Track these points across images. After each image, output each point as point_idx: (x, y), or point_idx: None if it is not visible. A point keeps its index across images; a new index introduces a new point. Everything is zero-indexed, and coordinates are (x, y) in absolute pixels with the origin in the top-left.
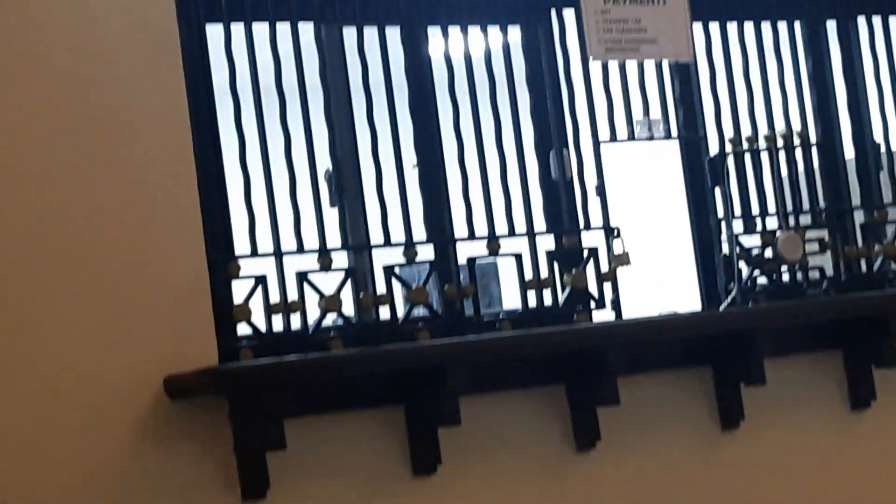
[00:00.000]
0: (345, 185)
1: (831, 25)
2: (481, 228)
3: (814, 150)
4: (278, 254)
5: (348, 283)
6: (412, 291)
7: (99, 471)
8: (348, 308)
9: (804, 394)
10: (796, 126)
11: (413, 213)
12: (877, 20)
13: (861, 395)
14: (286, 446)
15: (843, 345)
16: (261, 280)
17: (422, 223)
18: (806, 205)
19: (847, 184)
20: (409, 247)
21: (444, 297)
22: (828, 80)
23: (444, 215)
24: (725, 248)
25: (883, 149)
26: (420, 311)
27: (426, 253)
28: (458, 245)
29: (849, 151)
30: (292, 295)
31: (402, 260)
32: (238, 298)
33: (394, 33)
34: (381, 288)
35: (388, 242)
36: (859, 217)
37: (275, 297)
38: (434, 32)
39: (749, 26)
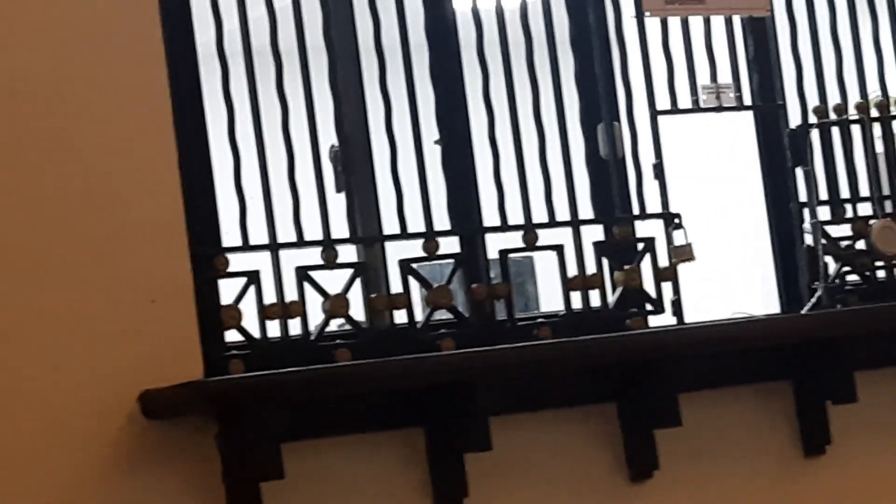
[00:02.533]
0: (353, 165)
1: None
2: (516, 216)
3: None
4: (274, 246)
5: (357, 282)
6: (433, 291)
7: (64, 502)
8: (357, 311)
9: None
10: (894, 93)
11: (435, 199)
12: None
13: None
14: (284, 475)
15: None
16: (254, 277)
17: (445, 211)
18: None
19: None
20: (430, 238)
21: (472, 298)
22: None
23: (471, 201)
24: (809, 240)
25: None
26: (443, 316)
27: (450, 246)
28: (488, 236)
29: None
30: (291, 295)
31: (421, 254)
32: (227, 299)
33: None
34: (396, 287)
35: (404, 233)
36: None
37: (270, 298)
38: None
39: None
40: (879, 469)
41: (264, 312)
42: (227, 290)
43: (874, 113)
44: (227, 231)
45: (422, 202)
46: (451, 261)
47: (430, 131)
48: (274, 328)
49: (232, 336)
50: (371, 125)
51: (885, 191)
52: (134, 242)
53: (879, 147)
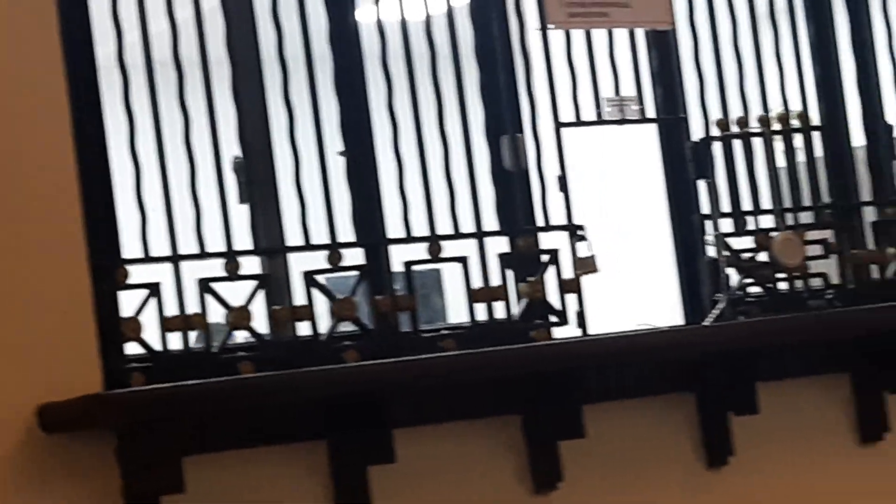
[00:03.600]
0: (256, 176)
1: None
2: (420, 228)
3: (816, 136)
4: (175, 258)
5: (261, 294)
6: (337, 303)
7: None
8: (261, 323)
9: (804, 425)
10: (795, 107)
11: (338, 210)
12: None
13: (871, 426)
14: (184, 489)
15: (852, 367)
16: (154, 289)
17: (349, 222)
18: (807, 200)
19: (855, 175)
20: (334, 250)
21: (376, 309)
22: (833, 52)
23: (375, 212)
24: (711, 252)
25: None
26: (347, 328)
27: (354, 257)
28: (393, 248)
29: (857, 137)
30: (192, 307)
31: (325, 265)
32: (127, 311)
33: None
34: (300, 299)
35: (308, 245)
36: (870, 214)
37: (171, 310)
38: None
39: None
40: (782, 480)
41: (165, 325)
42: (128, 302)
43: (776, 126)
44: (128, 242)
45: (325, 213)
46: (356, 272)
47: (333, 142)
48: (175, 340)
49: (133, 349)
50: (274, 136)
51: (787, 203)
52: (33, 254)
53: (781, 160)
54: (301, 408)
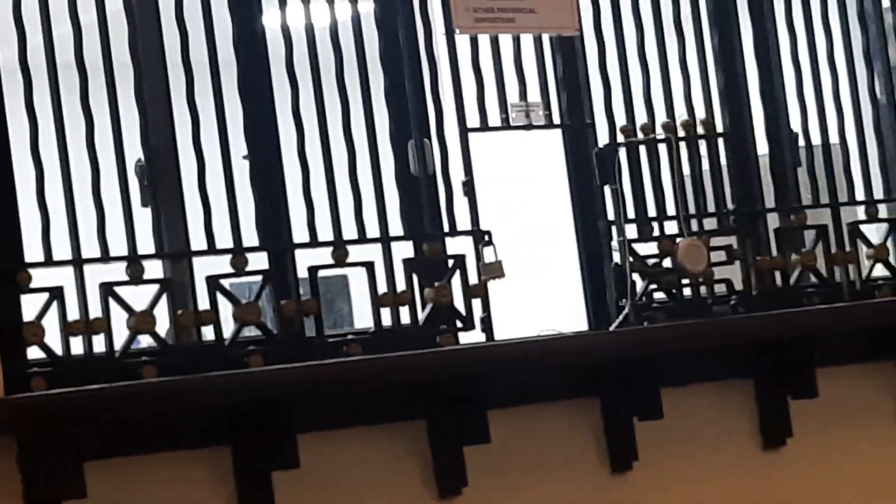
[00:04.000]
0: (160, 180)
1: None
2: (325, 233)
3: (720, 142)
4: (78, 262)
5: (164, 298)
6: (241, 308)
7: None
8: (164, 328)
9: (708, 430)
10: (700, 113)
11: (243, 215)
12: None
13: (774, 431)
14: (86, 494)
15: (755, 372)
16: (57, 293)
17: (253, 226)
18: (711, 206)
19: (759, 182)
20: (238, 254)
21: (281, 314)
22: (737, 60)
23: (280, 217)
24: (617, 258)
25: (801, 141)
26: (252, 332)
27: (259, 262)
28: (298, 253)
29: (761, 144)
30: (95, 311)
31: (229, 270)
32: (28, 315)
33: (220, 0)
34: (203, 303)
35: (212, 249)
36: (773, 221)
37: (74, 314)
38: None
39: None
40: (685, 484)
41: (68, 329)
42: (30, 306)
43: (681, 133)
44: (30, 246)
45: (230, 217)
46: (260, 277)
47: (238, 146)
48: (77, 345)
49: (34, 353)
50: (178, 140)
51: (691, 209)
52: None
53: (686, 166)
54: (205, 413)
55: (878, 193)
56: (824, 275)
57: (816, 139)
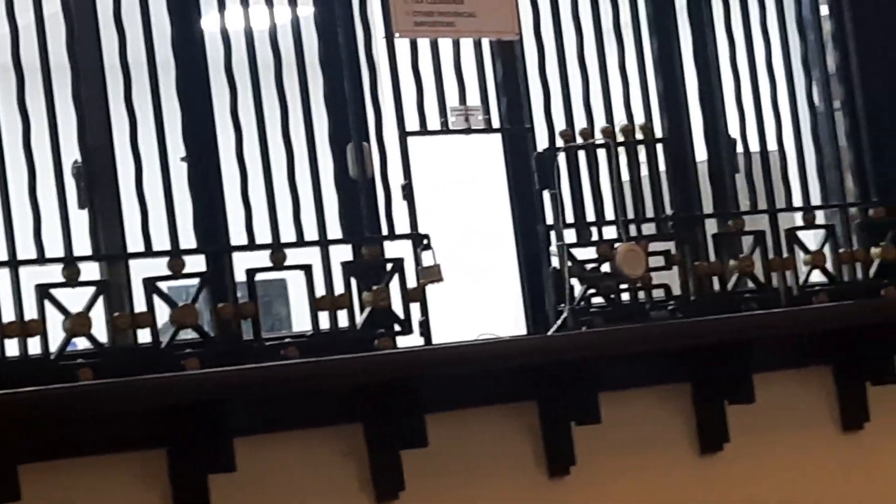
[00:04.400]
0: (97, 181)
1: (681, 0)
2: (264, 236)
3: (659, 148)
4: (13, 263)
5: (100, 300)
6: (178, 310)
7: None
8: (100, 330)
9: (646, 434)
10: (639, 119)
11: (181, 217)
12: None
13: (712, 435)
14: (20, 497)
15: (692, 377)
16: None
17: (191, 229)
18: (650, 212)
19: (698, 188)
20: (176, 257)
21: (218, 317)
22: (676, 65)
23: (218, 219)
24: (555, 262)
25: (740, 148)
26: (189, 335)
27: (196, 264)
28: (236, 255)
29: (700, 150)
30: (31, 313)
31: (166, 272)
32: None
33: (158, 1)
34: (140, 306)
35: (149, 251)
36: (711, 227)
37: (9, 316)
38: (208, 0)
39: (584, 1)
40: (623, 488)
41: (2, 331)
42: None
43: (620, 138)
44: None
45: (167, 219)
46: (198, 280)
47: (176, 148)
48: (13, 347)
49: None
50: (116, 141)
51: (630, 214)
52: None
53: (625, 171)
54: (141, 415)
55: (816, 200)
56: (762, 280)
57: (755, 145)
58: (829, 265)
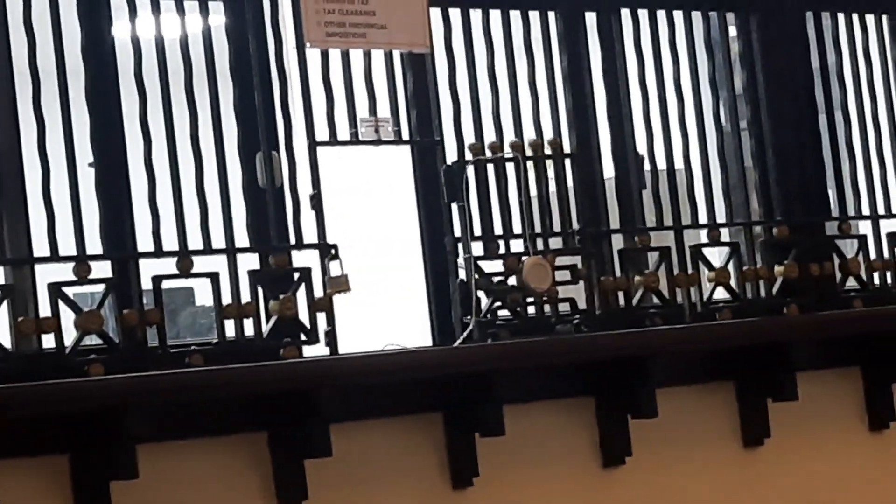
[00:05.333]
0: (3, 185)
1: (591, 18)
2: (171, 243)
3: (567, 163)
4: None
5: (4, 305)
6: (83, 316)
7: None
8: (4, 335)
9: (550, 446)
10: (548, 134)
11: (87, 222)
12: (643, 14)
13: (614, 449)
14: None
15: (596, 391)
16: None
17: (97, 234)
18: (557, 226)
19: (605, 203)
20: (82, 262)
21: (123, 323)
22: (586, 82)
23: (125, 226)
24: (462, 274)
25: (647, 165)
26: (93, 341)
27: (102, 270)
28: (142, 262)
29: (608, 166)
30: None
31: (72, 278)
32: None
33: (69, 6)
34: (45, 311)
35: (55, 256)
36: (618, 242)
37: None
38: (119, 7)
39: (496, 15)
40: (526, 500)
41: None
42: None
43: (529, 152)
44: None
45: (74, 225)
46: (103, 285)
47: (84, 153)
48: None
49: None
50: (23, 145)
51: (538, 228)
52: None
53: (533, 186)
54: (42, 421)
55: (721, 217)
56: (666, 296)
57: (662, 163)
58: (733, 282)
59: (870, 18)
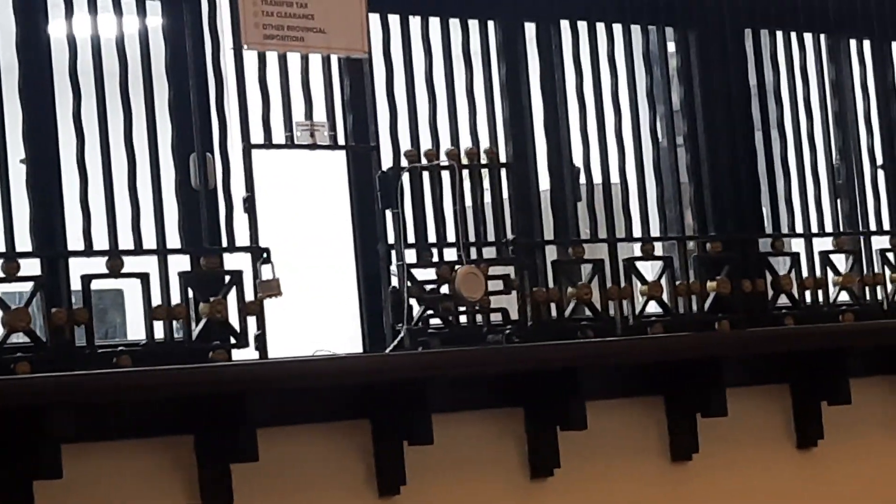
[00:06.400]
0: None
1: (530, 29)
2: (101, 242)
3: (503, 173)
4: None
5: None
6: (10, 313)
7: None
8: None
9: (478, 456)
10: (484, 143)
11: (17, 219)
12: (582, 26)
13: (543, 460)
14: None
15: (525, 402)
16: None
17: (27, 232)
18: (491, 236)
19: (540, 214)
20: (11, 259)
21: (51, 322)
22: (523, 93)
23: (56, 224)
24: (395, 281)
25: (583, 177)
26: (20, 339)
27: (31, 268)
28: (72, 261)
29: (543, 177)
30: None
31: (0, 275)
32: None
33: (5, 3)
34: None
35: None
36: (551, 253)
37: None
38: (55, 5)
39: (435, 23)
40: None
41: None
42: None
43: (464, 161)
44: None
45: (3, 222)
46: (32, 283)
47: (16, 150)
48: None
49: None
50: None
51: (472, 237)
52: None
53: (468, 195)
54: None
55: (655, 231)
56: (598, 309)
57: (598, 176)
58: (665, 297)
59: (808, 37)
